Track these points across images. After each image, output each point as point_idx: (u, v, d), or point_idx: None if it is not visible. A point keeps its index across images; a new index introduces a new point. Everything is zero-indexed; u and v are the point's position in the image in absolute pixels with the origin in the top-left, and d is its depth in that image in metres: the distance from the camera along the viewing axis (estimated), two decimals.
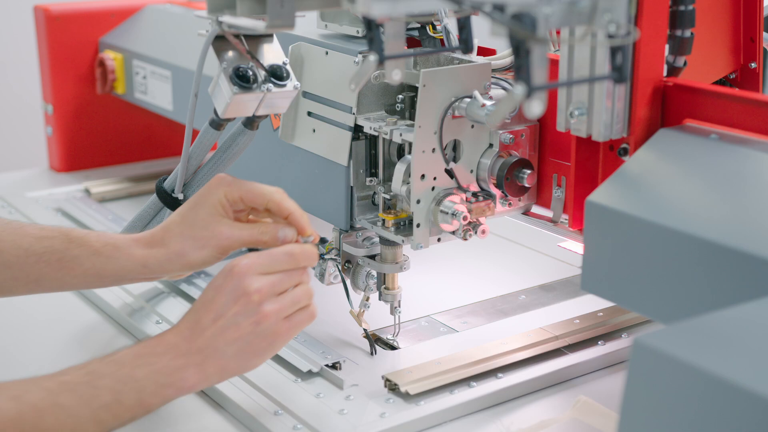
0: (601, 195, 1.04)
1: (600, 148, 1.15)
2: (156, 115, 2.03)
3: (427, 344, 1.36)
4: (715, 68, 1.31)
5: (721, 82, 1.33)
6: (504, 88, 1.25)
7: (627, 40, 0.93)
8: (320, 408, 1.19)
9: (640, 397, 0.75)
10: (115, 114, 2.15)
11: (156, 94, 1.92)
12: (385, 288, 1.33)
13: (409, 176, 1.19)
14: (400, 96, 1.28)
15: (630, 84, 1.09)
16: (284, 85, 1.24)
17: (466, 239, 1.21)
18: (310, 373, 1.26)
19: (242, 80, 1.21)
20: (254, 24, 1.18)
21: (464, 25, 1.10)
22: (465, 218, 1.19)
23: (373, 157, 1.30)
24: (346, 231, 1.33)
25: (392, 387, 1.23)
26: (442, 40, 1.29)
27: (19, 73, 3.10)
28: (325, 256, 1.36)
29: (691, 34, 1.15)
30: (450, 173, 1.20)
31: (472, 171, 1.24)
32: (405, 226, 1.25)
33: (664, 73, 1.14)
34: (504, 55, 1.28)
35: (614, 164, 1.12)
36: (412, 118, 1.26)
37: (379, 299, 1.34)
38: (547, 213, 1.29)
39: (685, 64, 1.17)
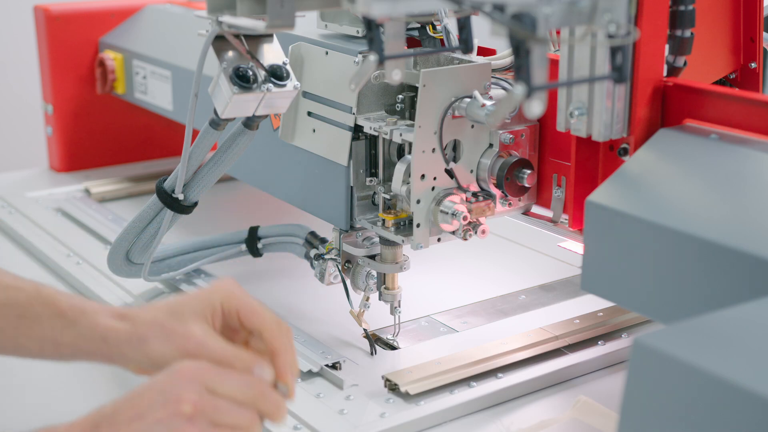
0: (601, 195, 1.04)
1: (600, 148, 1.15)
2: (156, 115, 2.03)
3: (427, 344, 1.36)
4: (715, 68, 1.31)
5: (721, 82, 1.33)
6: (504, 88, 1.25)
7: (627, 40, 0.93)
8: (320, 408, 1.19)
9: (640, 397, 0.75)
10: (115, 114, 2.15)
11: (156, 94, 1.92)
12: (385, 288, 1.32)
13: (409, 176, 1.19)
14: (400, 96, 1.28)
15: (630, 84, 1.09)
16: (284, 85, 1.24)
17: (466, 239, 1.21)
18: (310, 373, 1.26)
19: (242, 80, 1.21)
20: (254, 24, 1.18)
21: (464, 25, 1.10)
22: (465, 218, 1.19)
23: (373, 157, 1.30)
24: (346, 231, 1.33)
25: (392, 387, 1.23)
26: (442, 40, 1.29)
27: (19, 73, 3.09)
28: (325, 256, 1.36)
29: (691, 34, 1.15)
30: (450, 173, 1.20)
31: (472, 171, 1.24)
32: (405, 226, 1.25)
33: (664, 73, 1.14)
34: (504, 55, 1.28)
35: (614, 164, 1.12)
36: (412, 118, 1.26)
37: (379, 299, 1.34)
38: (547, 213, 1.29)
39: (685, 64, 1.17)
